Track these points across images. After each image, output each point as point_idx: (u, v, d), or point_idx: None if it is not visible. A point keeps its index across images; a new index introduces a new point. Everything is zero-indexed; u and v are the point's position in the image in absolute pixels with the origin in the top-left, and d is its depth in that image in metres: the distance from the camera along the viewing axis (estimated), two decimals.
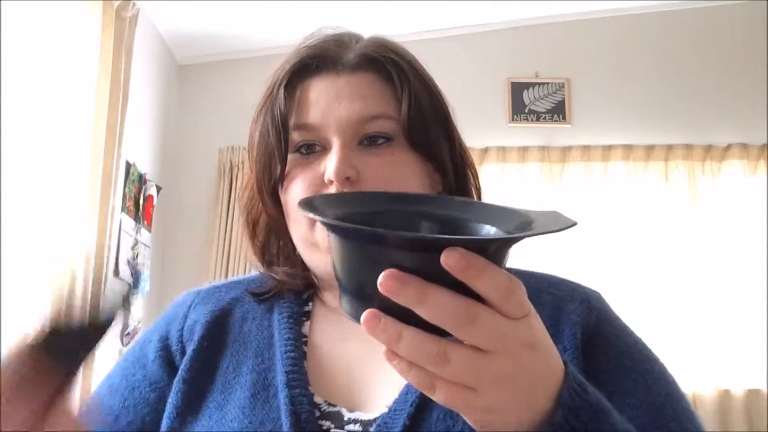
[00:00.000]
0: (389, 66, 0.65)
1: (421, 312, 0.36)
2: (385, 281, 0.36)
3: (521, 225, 0.42)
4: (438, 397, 0.38)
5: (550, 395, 0.41)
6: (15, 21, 2.11)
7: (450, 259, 0.35)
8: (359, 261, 0.39)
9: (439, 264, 0.36)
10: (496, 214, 0.44)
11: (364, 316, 0.37)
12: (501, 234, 0.42)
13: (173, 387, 0.65)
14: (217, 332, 0.68)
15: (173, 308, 0.73)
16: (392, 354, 0.38)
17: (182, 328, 0.69)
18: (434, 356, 0.37)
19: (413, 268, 0.36)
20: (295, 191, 0.64)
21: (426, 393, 0.39)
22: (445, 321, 0.36)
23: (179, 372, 0.66)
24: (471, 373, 0.37)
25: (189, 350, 0.67)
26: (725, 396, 3.21)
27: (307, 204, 0.43)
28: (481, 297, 0.37)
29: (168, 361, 0.68)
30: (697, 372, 3.18)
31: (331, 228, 0.41)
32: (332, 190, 0.61)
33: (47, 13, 2.28)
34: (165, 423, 0.63)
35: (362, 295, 0.39)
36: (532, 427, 0.41)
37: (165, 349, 0.69)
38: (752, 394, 3.22)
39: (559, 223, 0.40)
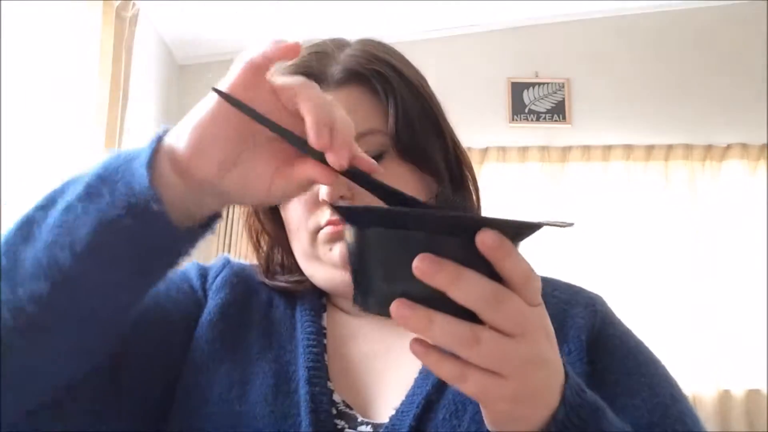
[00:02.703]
0: (373, 79, 0.64)
1: (454, 293, 0.38)
2: (422, 263, 0.37)
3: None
4: (469, 386, 0.39)
5: (559, 390, 0.43)
6: (15, 21, 2.11)
7: (487, 238, 0.38)
8: (385, 249, 0.40)
9: (464, 249, 0.38)
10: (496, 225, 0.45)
11: (394, 305, 0.38)
12: (526, 221, 0.42)
13: (199, 338, 0.64)
14: (245, 305, 0.68)
15: (208, 263, 0.74)
16: (420, 346, 0.39)
17: (217, 275, 0.70)
18: (466, 338, 0.38)
19: (439, 254, 0.38)
20: (293, 209, 0.65)
21: (456, 384, 0.39)
22: (476, 302, 0.38)
23: (205, 323, 0.65)
24: (500, 357, 0.38)
25: (214, 303, 0.67)
26: (725, 396, 3.21)
27: (333, 206, 0.45)
28: (503, 283, 0.39)
29: (203, 286, 0.69)
30: (697, 372, 3.18)
31: (359, 215, 0.41)
32: (326, 209, 0.62)
33: (47, 13, 2.28)
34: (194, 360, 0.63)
35: (386, 286, 0.40)
36: (542, 423, 0.42)
37: (203, 277, 0.70)
38: (752, 394, 3.22)
39: (562, 222, 0.42)
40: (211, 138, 0.45)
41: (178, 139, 0.45)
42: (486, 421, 0.44)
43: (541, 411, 0.42)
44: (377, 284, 0.40)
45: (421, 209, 0.40)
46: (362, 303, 0.42)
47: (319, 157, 0.45)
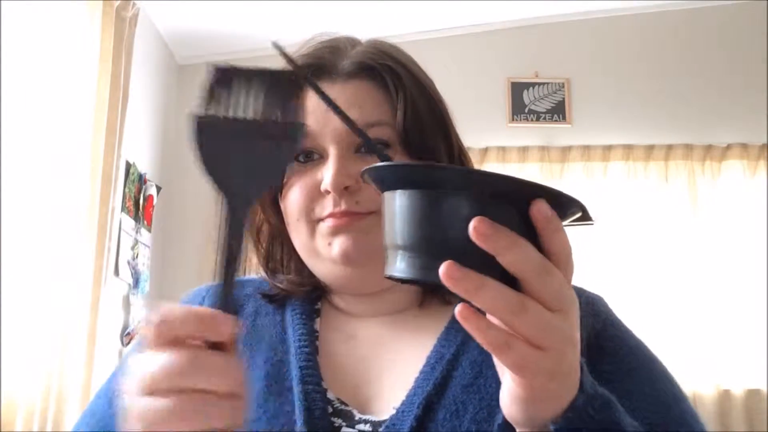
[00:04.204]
0: (384, 73, 0.65)
1: (506, 259, 0.37)
2: (480, 225, 0.36)
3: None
4: (511, 355, 0.39)
5: (578, 378, 0.43)
6: (15, 21, 2.11)
7: (544, 208, 0.38)
8: (432, 211, 0.39)
9: (511, 215, 0.38)
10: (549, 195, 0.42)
11: (445, 267, 0.37)
12: (578, 202, 0.42)
13: None
14: None
15: (186, 301, 0.73)
16: (468, 311, 0.38)
17: None
18: (514, 305, 0.38)
19: (487, 217, 0.37)
20: (293, 199, 0.65)
21: (498, 353, 0.39)
22: (526, 271, 0.38)
23: None
24: (543, 328, 0.39)
25: None
26: (725, 396, 3.21)
27: (368, 170, 0.44)
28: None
29: None
30: (697, 372, 3.18)
31: (406, 173, 0.41)
32: (330, 199, 0.62)
33: (47, 14, 2.28)
34: None
35: (431, 249, 0.39)
36: (564, 408, 0.43)
37: None
38: (752, 394, 3.22)
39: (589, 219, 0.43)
40: None
41: None
42: (511, 404, 0.43)
43: (569, 392, 0.42)
44: (419, 249, 0.40)
45: (473, 168, 0.39)
46: (399, 270, 0.41)
47: (378, 151, 0.47)
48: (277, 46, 0.48)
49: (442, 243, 0.39)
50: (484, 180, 0.39)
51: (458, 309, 0.38)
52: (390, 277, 0.42)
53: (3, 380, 1.96)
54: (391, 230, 0.41)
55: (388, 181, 0.42)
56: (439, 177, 0.40)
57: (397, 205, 0.41)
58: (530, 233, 0.39)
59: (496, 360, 0.46)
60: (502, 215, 0.38)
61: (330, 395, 0.62)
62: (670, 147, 3.50)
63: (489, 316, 0.39)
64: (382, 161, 0.46)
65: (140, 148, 3.15)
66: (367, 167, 0.43)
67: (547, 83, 3.62)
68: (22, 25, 2.16)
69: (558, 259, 0.39)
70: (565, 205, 0.40)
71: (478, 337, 0.39)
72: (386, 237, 0.42)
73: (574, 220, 0.42)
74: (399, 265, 0.41)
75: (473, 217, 0.37)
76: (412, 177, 0.41)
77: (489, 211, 0.37)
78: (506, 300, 0.38)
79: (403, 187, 0.41)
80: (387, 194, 0.42)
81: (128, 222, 2.97)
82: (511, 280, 0.38)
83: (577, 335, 0.42)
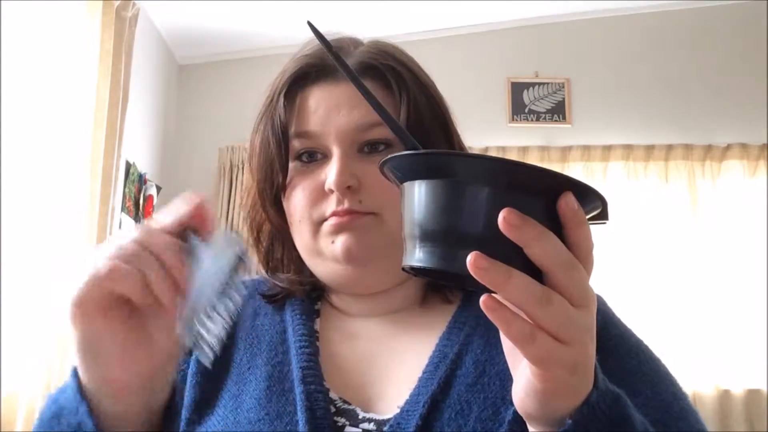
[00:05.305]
0: (387, 73, 0.65)
1: (534, 250, 0.37)
2: (509, 215, 0.36)
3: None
4: (535, 347, 0.38)
5: (592, 373, 0.43)
6: (15, 21, 2.12)
7: (571, 201, 0.38)
8: (457, 201, 0.38)
9: (538, 207, 0.37)
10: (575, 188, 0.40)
11: (473, 257, 0.36)
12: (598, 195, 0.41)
13: (188, 382, 0.65)
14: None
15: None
16: (493, 302, 0.38)
17: None
18: (539, 297, 0.37)
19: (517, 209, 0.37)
20: (296, 199, 0.65)
21: (522, 344, 0.38)
22: (552, 264, 0.38)
23: (191, 366, 0.66)
24: (567, 321, 0.38)
25: None
26: (725, 396, 3.22)
27: (391, 159, 0.43)
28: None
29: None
30: (697, 372, 3.18)
31: (430, 162, 0.40)
32: (333, 199, 0.62)
33: (47, 13, 2.28)
34: (183, 415, 0.63)
35: (454, 239, 0.39)
36: (579, 402, 0.42)
37: None
38: (752, 394, 3.22)
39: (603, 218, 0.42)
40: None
41: None
42: (527, 398, 0.43)
43: (585, 387, 0.42)
44: (442, 239, 0.39)
45: (498, 157, 0.38)
46: (422, 259, 0.40)
47: (409, 141, 0.46)
48: (312, 26, 0.47)
49: (465, 233, 0.38)
50: (510, 170, 0.38)
51: (483, 299, 0.38)
52: (409, 269, 0.41)
53: (4, 377, 1.96)
54: (411, 220, 0.41)
55: (409, 170, 0.41)
56: (464, 165, 0.39)
57: (419, 193, 0.40)
58: (553, 225, 0.38)
59: (508, 355, 0.46)
60: (526, 206, 0.37)
61: (332, 395, 0.61)
62: (670, 147, 3.50)
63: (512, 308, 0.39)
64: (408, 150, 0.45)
65: (140, 148, 3.15)
66: (391, 155, 0.42)
67: (547, 83, 3.63)
68: (22, 24, 2.16)
69: (580, 253, 0.39)
70: (589, 200, 0.40)
71: (503, 329, 0.38)
72: (405, 228, 0.41)
73: (590, 218, 0.42)
74: (418, 255, 0.40)
75: (498, 207, 0.36)
76: (435, 165, 0.40)
77: (514, 201, 0.37)
78: (532, 292, 0.37)
79: (425, 176, 0.40)
80: (407, 184, 0.41)
81: (128, 222, 2.97)
82: (531, 273, 0.38)
83: (595, 331, 0.42)
